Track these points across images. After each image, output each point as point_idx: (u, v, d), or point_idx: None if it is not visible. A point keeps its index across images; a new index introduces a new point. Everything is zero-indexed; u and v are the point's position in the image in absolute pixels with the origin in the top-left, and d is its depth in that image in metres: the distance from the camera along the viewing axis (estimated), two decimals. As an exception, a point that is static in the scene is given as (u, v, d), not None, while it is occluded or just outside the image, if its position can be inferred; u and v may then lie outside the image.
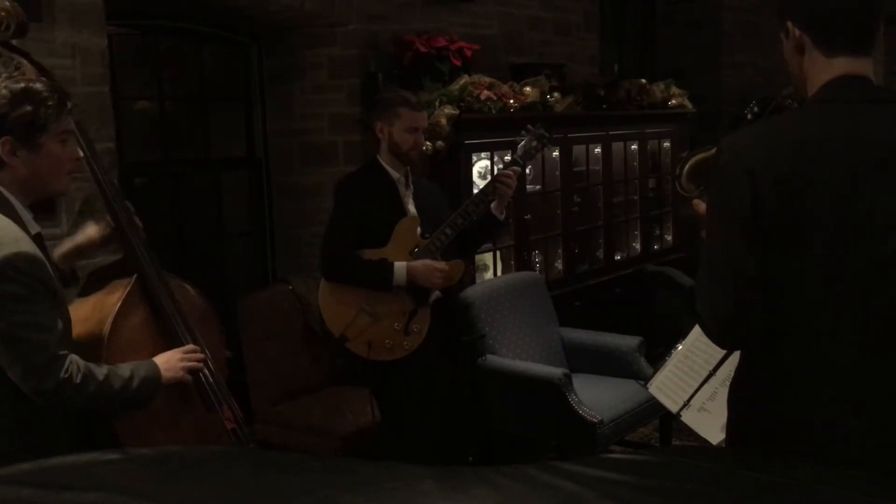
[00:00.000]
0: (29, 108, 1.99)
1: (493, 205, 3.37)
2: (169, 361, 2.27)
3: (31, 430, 2.00)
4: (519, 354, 4.11)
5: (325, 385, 4.20)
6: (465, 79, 4.35)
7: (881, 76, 6.43)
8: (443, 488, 1.05)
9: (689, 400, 2.35)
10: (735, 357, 1.90)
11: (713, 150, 1.81)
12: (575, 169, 5.18)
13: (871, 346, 1.60)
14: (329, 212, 3.43)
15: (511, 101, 4.46)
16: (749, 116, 4.09)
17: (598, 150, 5.34)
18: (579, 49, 6.10)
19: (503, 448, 4.11)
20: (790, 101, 4.50)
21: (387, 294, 3.22)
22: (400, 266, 3.20)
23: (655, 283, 5.43)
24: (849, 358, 1.61)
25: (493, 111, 4.36)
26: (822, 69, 1.68)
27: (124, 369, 2.14)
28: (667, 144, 5.95)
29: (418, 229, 3.30)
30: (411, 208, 3.34)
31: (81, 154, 2.20)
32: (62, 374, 1.95)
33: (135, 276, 2.38)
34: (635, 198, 5.73)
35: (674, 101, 5.87)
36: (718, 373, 2.32)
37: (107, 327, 2.27)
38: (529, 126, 3.53)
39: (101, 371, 2.07)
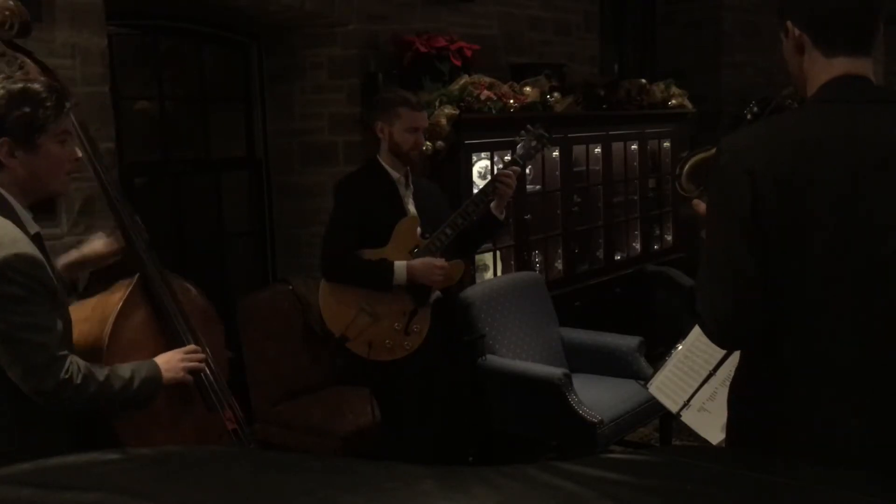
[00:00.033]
0: (27, 108, 1.99)
1: (493, 205, 3.37)
2: (170, 362, 2.27)
3: (31, 430, 2.00)
4: (519, 354, 4.11)
5: (325, 385, 4.20)
6: (465, 79, 4.35)
7: (881, 76, 6.43)
8: (443, 488, 1.05)
9: (689, 400, 2.35)
10: (735, 357, 1.90)
11: (713, 150, 1.81)
12: (575, 169, 5.18)
13: (871, 346, 1.60)
14: (329, 212, 3.43)
15: (511, 101, 4.46)
16: (749, 116, 4.08)
17: (598, 150, 5.34)
18: (579, 49, 6.10)
19: (503, 448, 4.11)
20: (790, 101, 4.49)
21: (387, 294, 3.22)
22: (400, 265, 3.20)
23: (655, 283, 5.43)
24: (849, 358, 1.61)
25: (493, 111, 4.36)
26: (822, 69, 1.68)
27: (125, 370, 2.14)
28: (667, 144, 5.95)
29: (418, 229, 3.30)
30: (411, 208, 3.34)
31: (80, 154, 2.20)
32: (62, 375, 1.95)
33: (137, 275, 2.38)
34: (635, 198, 5.73)
35: (674, 101, 5.87)
36: (718, 373, 2.31)
37: (108, 327, 2.27)
38: (529, 126, 3.52)
39: (101, 371, 2.07)
